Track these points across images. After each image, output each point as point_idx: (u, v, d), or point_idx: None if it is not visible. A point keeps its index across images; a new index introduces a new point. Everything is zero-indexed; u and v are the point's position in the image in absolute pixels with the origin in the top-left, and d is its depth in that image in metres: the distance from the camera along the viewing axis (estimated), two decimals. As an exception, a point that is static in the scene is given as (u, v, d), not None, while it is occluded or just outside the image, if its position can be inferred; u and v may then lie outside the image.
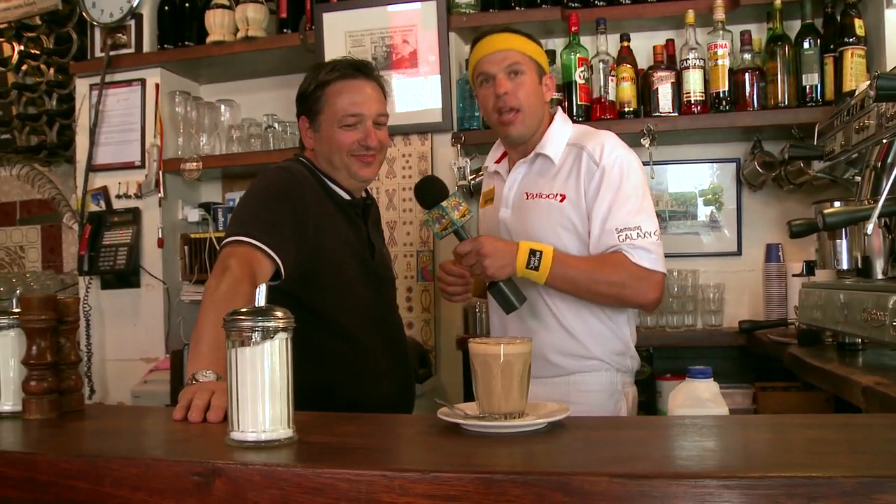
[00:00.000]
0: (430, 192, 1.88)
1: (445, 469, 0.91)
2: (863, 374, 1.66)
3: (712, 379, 1.37)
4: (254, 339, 1.10)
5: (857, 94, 2.18)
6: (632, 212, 1.94)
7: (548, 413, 1.18)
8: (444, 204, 1.84)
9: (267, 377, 1.10)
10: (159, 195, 3.37)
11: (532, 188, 2.05)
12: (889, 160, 1.64)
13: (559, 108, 2.16)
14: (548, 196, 2.01)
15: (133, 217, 3.38)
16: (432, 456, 1.10)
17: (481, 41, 2.06)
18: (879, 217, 1.87)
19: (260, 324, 1.10)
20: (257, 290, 1.13)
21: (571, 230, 1.98)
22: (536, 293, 1.99)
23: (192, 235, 3.40)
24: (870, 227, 1.57)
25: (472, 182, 3.01)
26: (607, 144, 1.99)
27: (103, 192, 3.43)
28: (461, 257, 1.89)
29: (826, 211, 1.72)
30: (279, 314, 1.12)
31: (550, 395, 1.99)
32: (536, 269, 1.87)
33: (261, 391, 1.09)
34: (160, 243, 3.37)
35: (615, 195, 1.94)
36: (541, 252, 1.88)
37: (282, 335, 1.11)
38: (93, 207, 3.43)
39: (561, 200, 1.99)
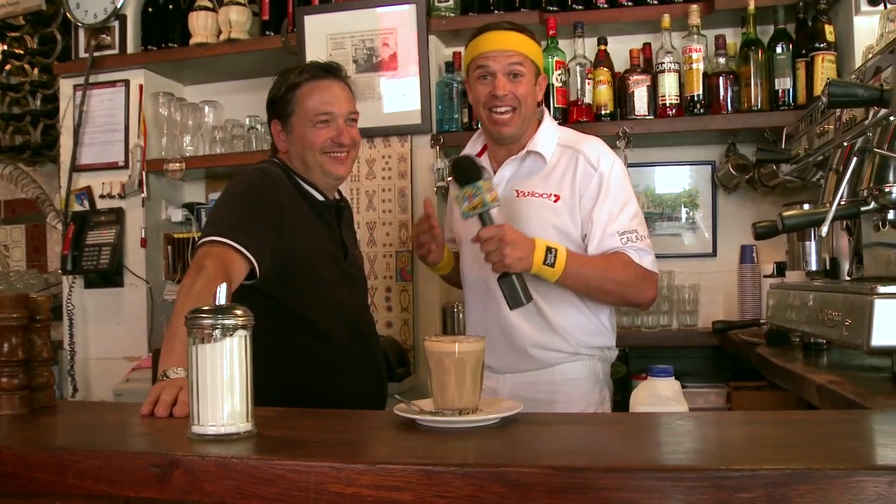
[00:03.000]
0: (468, 169, 1.85)
1: (391, 461, 0.95)
2: (819, 372, 1.70)
3: (674, 377, 1.41)
4: (214, 337, 1.14)
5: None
6: (630, 216, 1.99)
7: (500, 409, 1.22)
8: (480, 183, 1.82)
9: (226, 373, 1.14)
10: (143, 195, 3.39)
11: (523, 186, 2.05)
12: (846, 164, 1.68)
13: (545, 109, 2.17)
14: (541, 195, 2.02)
15: (116, 217, 3.41)
16: (383, 449, 1.14)
17: (487, 34, 2.04)
18: (839, 219, 1.92)
19: (220, 321, 1.14)
20: (218, 289, 1.16)
21: (563, 231, 2.00)
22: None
23: (176, 235, 3.43)
24: (824, 230, 1.60)
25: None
26: (603, 150, 2.04)
27: (87, 192, 3.45)
28: (483, 242, 1.85)
29: (784, 213, 1.76)
30: (239, 312, 1.15)
31: (536, 386, 2.04)
32: (552, 265, 1.87)
33: (220, 386, 1.13)
34: (143, 243, 3.39)
35: (615, 200, 1.99)
36: (556, 250, 1.88)
37: (241, 332, 1.15)
38: (77, 207, 3.45)
39: (555, 201, 2.01)
